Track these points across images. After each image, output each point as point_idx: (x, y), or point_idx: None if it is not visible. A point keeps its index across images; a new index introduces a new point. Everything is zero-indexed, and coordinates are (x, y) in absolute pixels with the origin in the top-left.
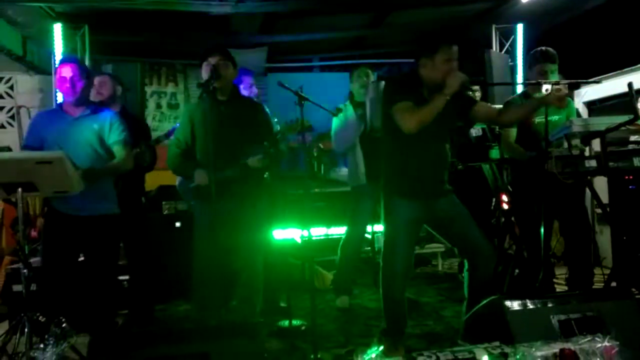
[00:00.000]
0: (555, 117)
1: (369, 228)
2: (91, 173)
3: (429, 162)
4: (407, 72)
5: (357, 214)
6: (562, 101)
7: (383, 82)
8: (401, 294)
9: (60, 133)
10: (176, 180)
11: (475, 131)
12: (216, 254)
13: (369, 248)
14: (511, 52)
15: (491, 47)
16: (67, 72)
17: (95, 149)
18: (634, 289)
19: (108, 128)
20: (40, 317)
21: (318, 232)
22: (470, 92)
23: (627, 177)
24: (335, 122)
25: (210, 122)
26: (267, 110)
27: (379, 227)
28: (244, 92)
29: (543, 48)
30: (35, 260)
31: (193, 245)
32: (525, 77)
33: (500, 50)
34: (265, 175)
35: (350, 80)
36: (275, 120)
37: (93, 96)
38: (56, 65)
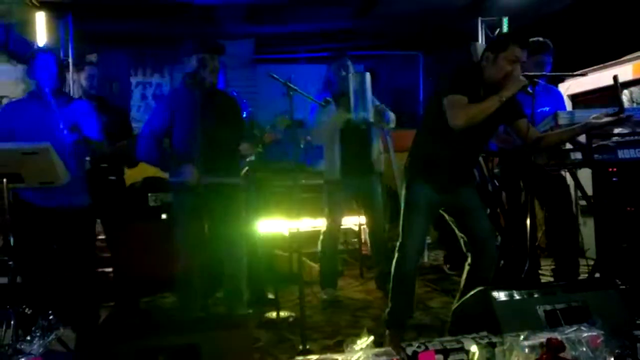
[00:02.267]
0: (546, 108)
1: (351, 220)
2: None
3: (461, 159)
4: (469, 65)
5: (333, 207)
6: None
7: (367, 73)
8: (412, 275)
9: (33, 124)
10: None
11: None
12: (199, 246)
13: (356, 240)
14: None
15: (477, 40)
16: (47, 60)
17: (69, 141)
18: (617, 280)
19: (83, 120)
20: (27, 309)
21: (305, 224)
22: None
23: (610, 170)
24: (320, 114)
25: (192, 112)
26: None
27: (363, 220)
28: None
29: (541, 39)
30: None
31: (174, 238)
32: None
33: (486, 42)
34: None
35: (331, 71)
36: (250, 110)
37: (85, 88)
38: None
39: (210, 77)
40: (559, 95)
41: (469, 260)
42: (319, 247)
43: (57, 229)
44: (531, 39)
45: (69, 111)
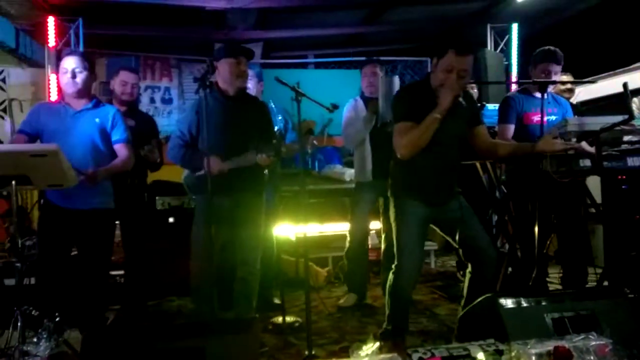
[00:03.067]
0: (552, 117)
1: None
2: (94, 177)
3: (438, 169)
4: (422, 78)
5: (360, 209)
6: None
7: (396, 77)
8: (408, 293)
9: (60, 125)
10: (183, 173)
11: None
12: (216, 249)
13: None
14: (506, 52)
15: (486, 46)
16: (69, 63)
17: (95, 142)
18: (626, 288)
19: (110, 124)
20: (33, 311)
21: (312, 229)
22: (463, 103)
23: (620, 177)
24: (345, 116)
25: (219, 116)
26: (272, 106)
27: (375, 225)
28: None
29: (551, 48)
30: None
31: (192, 238)
32: (525, 73)
33: (495, 49)
34: (264, 172)
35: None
36: (280, 117)
37: (120, 95)
38: (46, 59)
39: (238, 81)
40: (567, 105)
41: (469, 268)
42: (346, 248)
43: (80, 231)
44: (540, 48)
45: (96, 115)
